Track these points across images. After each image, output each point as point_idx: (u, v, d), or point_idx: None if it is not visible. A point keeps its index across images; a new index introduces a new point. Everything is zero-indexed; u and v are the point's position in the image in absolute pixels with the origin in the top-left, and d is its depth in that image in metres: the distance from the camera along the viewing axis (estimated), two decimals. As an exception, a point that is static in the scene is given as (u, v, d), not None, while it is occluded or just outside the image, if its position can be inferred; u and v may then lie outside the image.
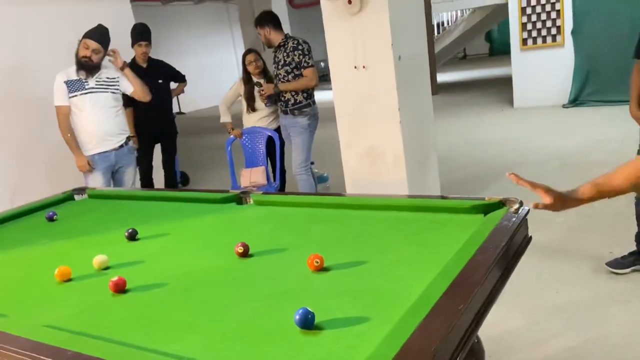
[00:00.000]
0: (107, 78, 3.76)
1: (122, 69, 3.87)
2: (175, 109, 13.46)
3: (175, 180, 5.19)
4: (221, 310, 1.45)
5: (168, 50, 12.93)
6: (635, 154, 2.85)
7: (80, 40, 3.65)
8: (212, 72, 14.22)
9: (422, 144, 4.00)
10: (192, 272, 1.75)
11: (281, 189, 4.63)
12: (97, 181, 3.72)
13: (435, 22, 13.30)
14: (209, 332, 1.34)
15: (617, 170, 1.55)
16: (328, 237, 1.92)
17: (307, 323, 1.28)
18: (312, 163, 4.71)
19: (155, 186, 5.03)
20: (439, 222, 1.89)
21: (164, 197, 2.73)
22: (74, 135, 3.71)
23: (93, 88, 3.68)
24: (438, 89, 11.00)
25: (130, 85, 3.90)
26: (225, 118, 4.59)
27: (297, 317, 1.28)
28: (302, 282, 1.57)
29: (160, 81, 4.86)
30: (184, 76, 5.19)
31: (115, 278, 1.64)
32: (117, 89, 3.83)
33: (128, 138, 3.93)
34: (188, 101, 13.20)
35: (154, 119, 4.77)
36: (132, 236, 2.12)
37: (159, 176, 5.10)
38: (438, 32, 13.35)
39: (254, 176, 4.40)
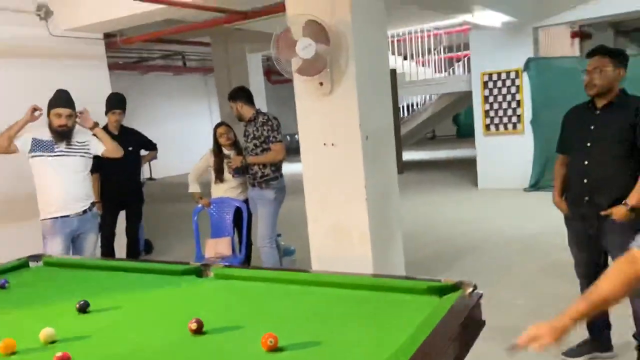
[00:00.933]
0: (77, 142, 3.77)
1: (91, 128, 3.90)
2: (146, 175, 13.48)
3: (138, 248, 5.10)
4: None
5: (146, 116, 13.10)
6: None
7: (49, 112, 3.65)
8: (187, 140, 14.35)
9: (387, 221, 4.07)
10: (140, 349, 1.70)
11: (246, 261, 4.58)
12: (56, 247, 3.62)
13: (405, 104, 13.90)
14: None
15: (603, 280, 1.52)
16: (286, 314, 1.90)
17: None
18: (278, 235, 4.72)
19: (118, 253, 4.92)
20: (397, 302, 1.91)
21: (123, 268, 2.67)
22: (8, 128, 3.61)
23: (62, 151, 3.67)
24: (405, 167, 11.31)
25: (100, 145, 3.90)
26: (194, 188, 4.60)
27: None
28: (254, 361, 1.54)
29: (130, 148, 4.88)
30: (155, 145, 5.24)
31: (59, 354, 1.58)
32: (88, 152, 3.83)
33: (92, 204, 3.88)
34: (160, 167, 13.20)
35: (120, 185, 4.76)
36: (83, 308, 2.05)
37: (121, 243, 5.01)
38: (408, 113, 13.93)
39: (219, 247, 4.36)
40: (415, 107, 14.13)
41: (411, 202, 7.93)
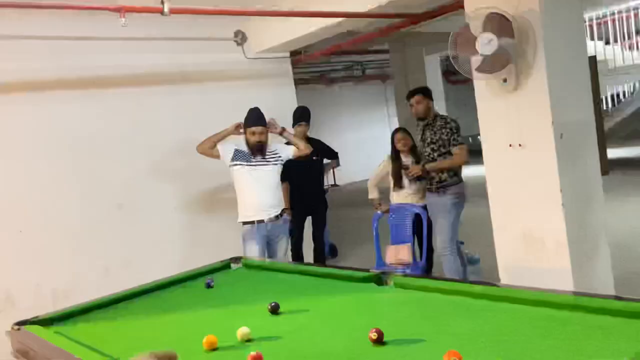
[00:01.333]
0: (269, 152, 4.09)
1: (280, 133, 4.21)
2: (330, 182, 14.17)
3: (324, 252, 5.34)
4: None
5: (329, 127, 13.79)
6: None
7: (245, 130, 4.03)
8: (367, 147, 14.73)
9: (589, 229, 3.59)
10: (325, 353, 1.74)
11: (427, 269, 4.47)
12: (253, 250, 3.97)
13: (608, 94, 12.27)
14: None
15: None
16: (469, 332, 1.78)
17: None
18: (461, 243, 4.51)
19: (305, 257, 5.20)
20: (603, 328, 1.64)
21: (309, 272, 2.80)
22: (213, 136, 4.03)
23: (259, 162, 4.02)
24: (610, 167, 9.93)
25: (289, 150, 4.20)
26: (373, 194, 4.66)
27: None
28: (437, 380, 1.46)
29: (314, 157, 5.16)
30: (336, 153, 5.45)
31: (253, 353, 1.70)
32: (280, 160, 4.14)
33: (283, 210, 4.17)
34: (343, 174, 13.77)
35: (306, 192, 5.05)
36: (275, 310, 2.19)
37: (309, 248, 5.29)
38: (613, 105, 12.26)
39: (400, 253, 4.33)
40: (622, 97, 12.37)
41: (619, 207, 6.93)
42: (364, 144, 15.00)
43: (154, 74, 4.81)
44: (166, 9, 3.29)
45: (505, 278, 3.64)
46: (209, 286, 2.75)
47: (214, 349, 1.88)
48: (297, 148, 4.20)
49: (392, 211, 4.54)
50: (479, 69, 3.44)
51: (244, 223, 4.01)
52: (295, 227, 5.06)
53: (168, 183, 4.85)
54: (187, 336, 2.03)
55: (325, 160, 5.48)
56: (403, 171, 4.43)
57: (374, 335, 1.75)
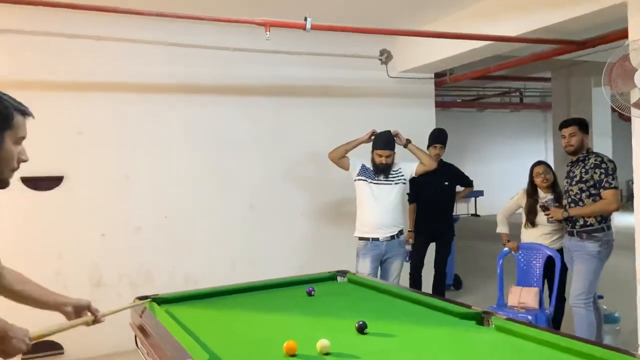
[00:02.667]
0: (393, 171, 4.07)
1: (405, 145, 4.17)
2: (471, 210, 13.54)
3: (443, 281, 5.11)
4: None
5: (473, 153, 13.24)
6: None
7: (374, 149, 4.08)
8: (516, 178, 13.83)
9: None
10: (396, 384, 1.67)
11: (555, 319, 4.04)
12: (366, 266, 3.98)
13: None
14: None
15: None
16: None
17: None
18: (600, 297, 4.00)
19: (424, 283, 5.04)
20: None
21: (410, 298, 2.71)
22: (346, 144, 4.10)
23: (381, 180, 4.03)
24: None
25: (411, 167, 4.13)
26: (502, 228, 4.35)
27: None
28: None
29: (446, 183, 5.00)
30: (471, 181, 5.21)
31: (322, 365, 1.70)
32: (402, 178, 4.10)
33: (400, 231, 4.10)
34: (486, 204, 13.09)
35: (432, 217, 4.90)
36: (361, 329, 2.16)
37: (429, 274, 5.12)
38: None
39: (524, 296, 3.99)
40: None
41: None
42: (512, 174, 14.10)
43: (295, 86, 5.09)
44: (308, 26, 3.46)
45: (644, 346, 3.16)
46: (309, 294, 2.82)
47: (293, 355, 1.92)
48: (422, 163, 4.10)
49: (522, 250, 4.21)
50: (636, 105, 3.07)
51: (360, 238, 4.03)
52: (416, 251, 4.95)
53: (297, 190, 5.08)
54: (273, 337, 2.09)
55: (458, 188, 5.27)
56: (539, 208, 4.08)
57: (451, 375, 1.65)
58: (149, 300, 2.64)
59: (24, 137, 1.49)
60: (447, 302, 2.53)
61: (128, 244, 4.36)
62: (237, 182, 4.83)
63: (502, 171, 13.68)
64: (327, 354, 1.93)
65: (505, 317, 2.23)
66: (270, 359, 1.91)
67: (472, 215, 13.26)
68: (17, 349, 1.32)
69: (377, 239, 3.99)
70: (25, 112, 1.47)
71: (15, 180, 3.95)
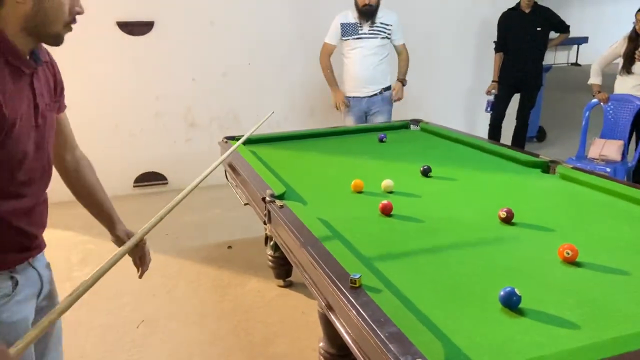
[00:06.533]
0: (381, 23, 3.72)
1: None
2: (571, 59, 12.48)
3: (524, 132, 5.01)
4: (445, 262, 1.53)
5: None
6: None
7: None
8: (625, 26, 12.34)
9: None
10: (448, 219, 1.85)
11: (637, 172, 3.96)
12: (350, 123, 3.82)
13: None
14: (416, 273, 1.46)
15: None
16: (609, 236, 1.67)
17: (510, 302, 1.26)
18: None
19: (505, 135, 4.97)
20: None
21: (480, 147, 2.78)
22: (332, 72, 3.81)
23: (365, 34, 3.70)
24: None
25: (401, 39, 3.84)
26: (595, 79, 4.10)
27: (502, 293, 1.28)
28: (538, 265, 1.49)
29: (538, 29, 4.65)
30: (567, 27, 4.78)
31: (385, 201, 1.90)
32: (388, 36, 3.76)
33: (385, 88, 3.84)
34: (591, 52, 11.99)
35: (519, 66, 4.67)
36: (425, 172, 2.32)
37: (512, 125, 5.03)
38: None
39: (606, 149, 3.89)
40: None
41: None
42: (624, 20, 12.56)
43: None
44: None
45: None
46: (381, 140, 2.97)
47: (359, 192, 2.14)
48: (401, 51, 3.87)
49: (612, 101, 4.00)
50: None
51: (345, 96, 3.86)
52: (499, 101, 4.83)
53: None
54: (342, 176, 2.31)
55: (553, 34, 4.88)
56: (638, 54, 3.77)
57: (502, 214, 1.79)
58: (234, 140, 2.93)
59: None
60: (515, 151, 2.59)
61: (216, 87, 4.62)
62: (318, 31, 4.79)
63: (613, 15, 12.19)
64: (390, 192, 2.12)
65: (571, 166, 2.27)
66: (339, 193, 2.15)
67: (572, 64, 12.26)
68: None
69: (359, 97, 3.79)
70: None
71: (111, 25, 4.27)
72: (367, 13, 3.63)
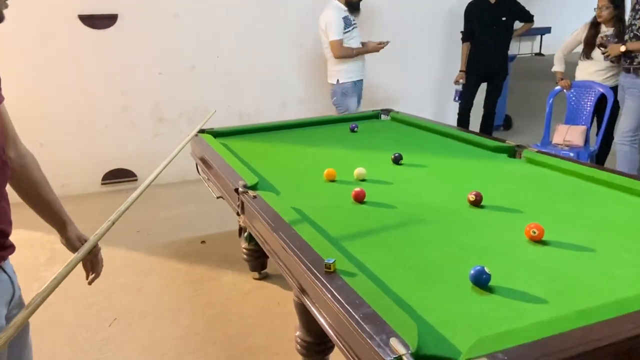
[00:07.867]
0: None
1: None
2: (535, 50, 12.75)
3: (492, 121, 5.11)
4: (418, 245, 1.56)
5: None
6: None
7: None
8: (589, 15, 12.67)
9: None
10: (419, 205, 1.88)
11: (599, 157, 4.09)
12: (354, 103, 4.14)
13: None
14: (387, 255, 1.49)
15: None
16: (574, 215, 1.73)
17: (480, 281, 1.29)
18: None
19: (473, 124, 5.07)
20: None
21: (450, 134, 2.83)
22: (354, 48, 4.02)
23: (355, 25, 4.01)
24: None
25: None
26: (558, 67, 4.21)
27: (472, 272, 1.31)
28: (507, 245, 1.53)
29: (503, 19, 4.74)
30: (531, 16, 4.88)
31: (357, 189, 1.91)
32: None
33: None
34: (553, 43, 12.27)
35: (486, 56, 4.75)
36: (397, 160, 2.35)
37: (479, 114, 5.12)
38: None
39: (570, 134, 4.00)
40: None
41: None
42: (588, 10, 12.91)
43: None
44: None
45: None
46: (352, 130, 2.99)
47: (332, 181, 2.15)
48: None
49: (574, 88, 4.11)
50: None
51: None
52: (465, 91, 4.91)
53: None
54: (315, 166, 2.32)
55: (517, 24, 4.97)
56: (598, 41, 3.87)
57: (471, 197, 1.83)
58: (205, 133, 2.90)
59: None
60: (483, 138, 2.65)
61: (185, 81, 4.56)
62: (285, 21, 4.78)
63: (575, 6, 12.50)
64: (363, 180, 2.14)
65: (536, 150, 2.33)
66: (312, 183, 2.15)
67: (535, 54, 12.53)
68: None
69: (361, 80, 4.17)
70: None
71: (73, 18, 4.16)
72: (358, 6, 4.01)
